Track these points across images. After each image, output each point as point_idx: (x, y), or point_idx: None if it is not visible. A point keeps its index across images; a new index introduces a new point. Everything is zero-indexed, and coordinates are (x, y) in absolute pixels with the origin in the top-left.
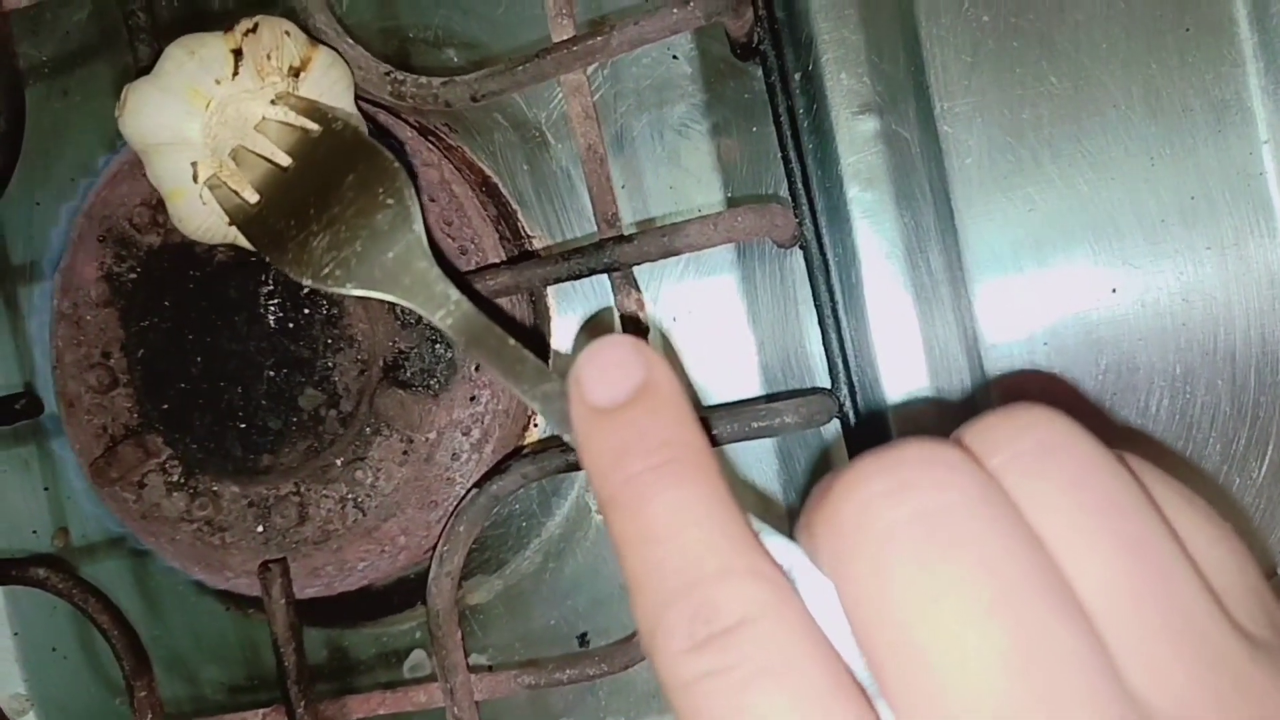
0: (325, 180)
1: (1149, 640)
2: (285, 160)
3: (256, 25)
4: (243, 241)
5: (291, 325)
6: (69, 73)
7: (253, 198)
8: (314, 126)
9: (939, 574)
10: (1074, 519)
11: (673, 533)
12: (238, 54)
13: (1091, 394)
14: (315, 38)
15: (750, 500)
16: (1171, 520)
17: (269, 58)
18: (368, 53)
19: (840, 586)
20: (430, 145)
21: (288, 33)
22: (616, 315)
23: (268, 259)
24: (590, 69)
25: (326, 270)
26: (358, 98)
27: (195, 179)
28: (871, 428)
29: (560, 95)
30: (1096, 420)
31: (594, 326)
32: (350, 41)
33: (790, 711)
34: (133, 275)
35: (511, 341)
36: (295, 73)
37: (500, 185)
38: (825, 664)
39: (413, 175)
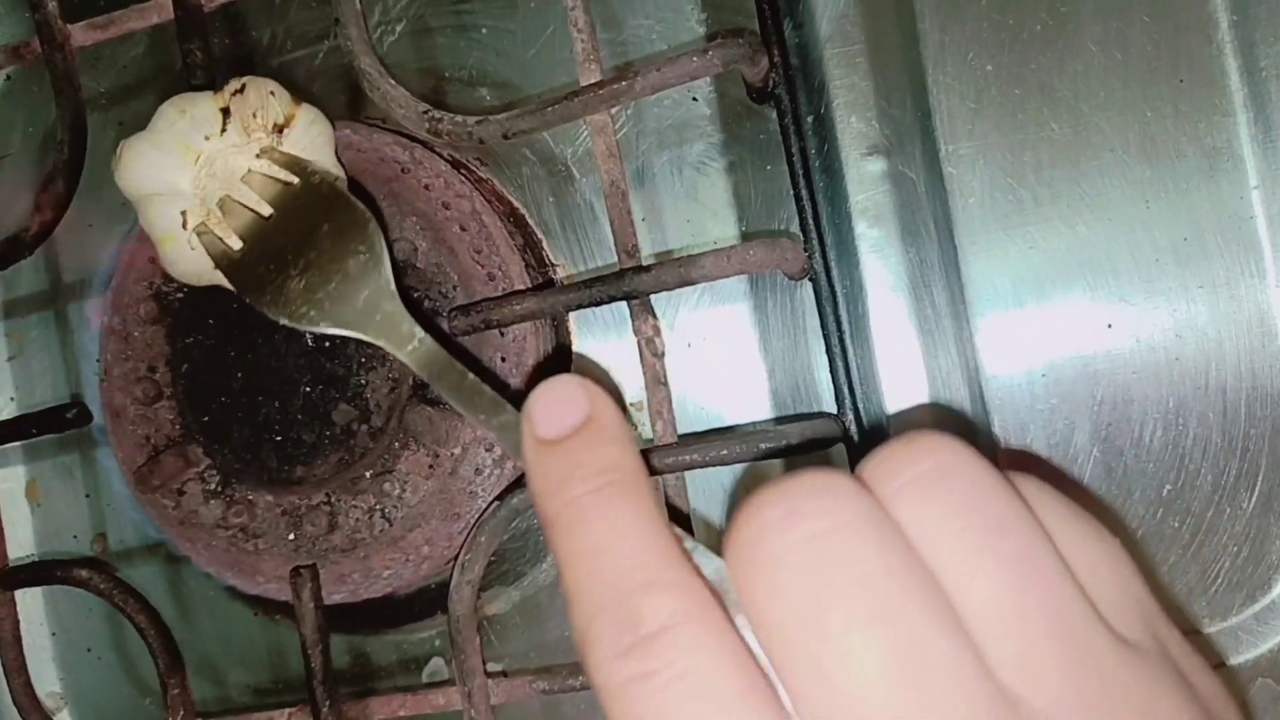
0: (303, 229)
1: (1025, 644)
2: (267, 210)
3: (244, 86)
4: (228, 284)
5: (327, 344)
6: (124, 104)
7: (236, 244)
8: (294, 180)
9: (825, 591)
10: (960, 537)
11: (606, 548)
12: (226, 112)
13: (1088, 426)
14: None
15: None
16: (1057, 535)
17: (255, 116)
18: (407, 92)
19: (746, 604)
20: (463, 178)
21: (273, 92)
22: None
23: (248, 300)
24: (615, 110)
25: (302, 310)
26: (395, 131)
27: (184, 226)
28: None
29: (585, 132)
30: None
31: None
32: (392, 81)
33: (707, 713)
34: (179, 295)
35: (471, 376)
36: (279, 129)
37: (527, 216)
38: (740, 669)
39: (445, 206)
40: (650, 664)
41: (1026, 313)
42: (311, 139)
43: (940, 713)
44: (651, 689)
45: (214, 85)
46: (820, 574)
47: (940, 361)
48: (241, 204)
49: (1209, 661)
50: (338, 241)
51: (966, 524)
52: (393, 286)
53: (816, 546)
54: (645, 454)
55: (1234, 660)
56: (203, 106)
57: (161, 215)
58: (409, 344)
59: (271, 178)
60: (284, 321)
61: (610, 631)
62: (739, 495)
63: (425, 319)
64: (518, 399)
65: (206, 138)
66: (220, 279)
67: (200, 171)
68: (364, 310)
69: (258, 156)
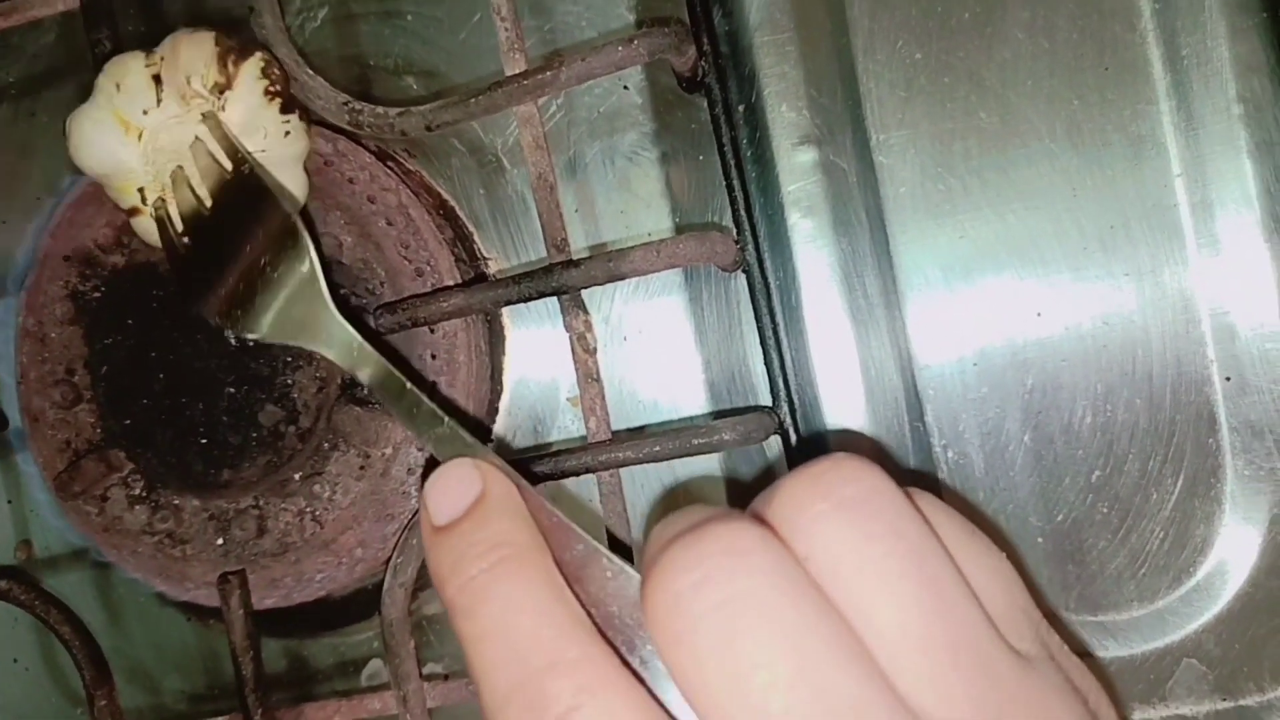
0: (238, 228)
1: (935, 667)
2: (208, 202)
3: (176, 46)
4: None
5: (251, 343)
6: (36, 95)
7: (182, 231)
8: (228, 165)
9: (744, 657)
10: (878, 565)
11: (504, 630)
12: (158, 80)
13: (1019, 413)
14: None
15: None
16: (954, 552)
17: (189, 81)
18: (326, 82)
19: (669, 668)
20: (388, 170)
21: (218, 44)
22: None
23: (191, 307)
24: (542, 100)
25: (241, 321)
26: (318, 123)
27: (144, 202)
28: (811, 443)
29: (515, 122)
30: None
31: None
32: (310, 71)
33: None
34: (97, 294)
35: (409, 386)
36: (220, 90)
37: (457, 208)
38: None
39: (371, 200)
40: None
41: (957, 301)
42: (258, 97)
43: None
44: None
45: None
46: (737, 639)
47: (874, 351)
48: (189, 183)
49: (1075, 650)
50: (270, 247)
51: (884, 551)
52: (327, 294)
53: (730, 610)
54: (579, 451)
55: (1160, 642)
56: (135, 77)
57: (121, 193)
58: (349, 353)
59: (213, 157)
60: (226, 332)
61: (523, 718)
62: (674, 500)
63: (355, 318)
64: (448, 398)
65: (145, 112)
66: None
67: (146, 146)
68: (301, 319)
69: (202, 121)
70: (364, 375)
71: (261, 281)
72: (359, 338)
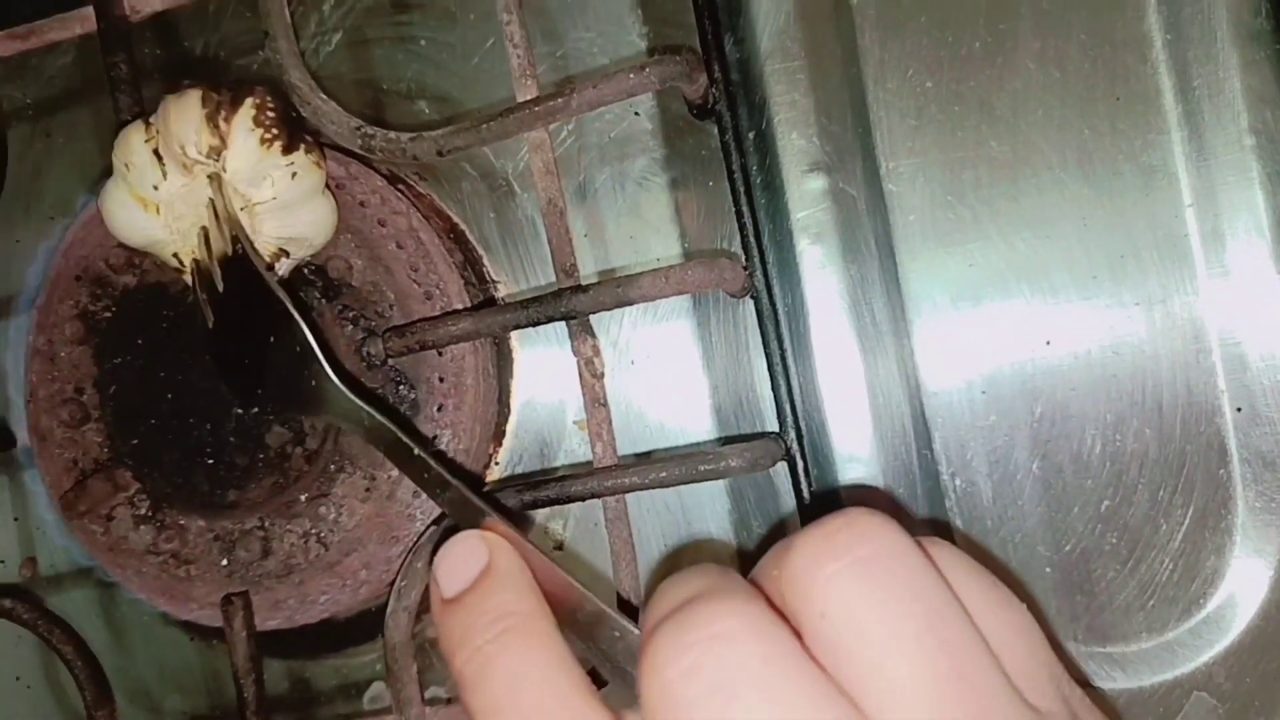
0: (245, 309)
1: None
2: (220, 285)
3: (166, 116)
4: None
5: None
6: (51, 115)
7: (220, 285)
8: (228, 243)
9: None
10: (885, 632)
11: (510, 701)
12: (159, 154)
13: (1027, 441)
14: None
15: (703, 545)
16: (971, 606)
17: (185, 150)
18: (339, 106)
19: None
20: (399, 193)
21: (204, 104)
22: None
23: (223, 383)
24: (553, 126)
25: (257, 398)
26: (330, 147)
27: (183, 265)
28: (817, 470)
29: (526, 147)
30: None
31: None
32: (323, 96)
33: None
34: (107, 314)
35: (417, 451)
36: (216, 153)
37: (467, 232)
38: None
39: (381, 223)
40: None
41: (966, 329)
42: (254, 147)
43: None
44: None
45: (136, 103)
46: None
47: (881, 378)
48: (208, 245)
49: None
50: (273, 332)
51: (900, 612)
52: (328, 371)
53: (720, 697)
54: (585, 476)
55: (1170, 674)
56: (138, 155)
57: (164, 260)
58: (360, 424)
59: (219, 221)
60: (250, 409)
61: None
62: (677, 528)
63: (359, 342)
64: (455, 422)
65: (155, 187)
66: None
67: (166, 217)
68: (313, 397)
69: (210, 184)
70: (376, 443)
71: (270, 362)
72: (366, 408)
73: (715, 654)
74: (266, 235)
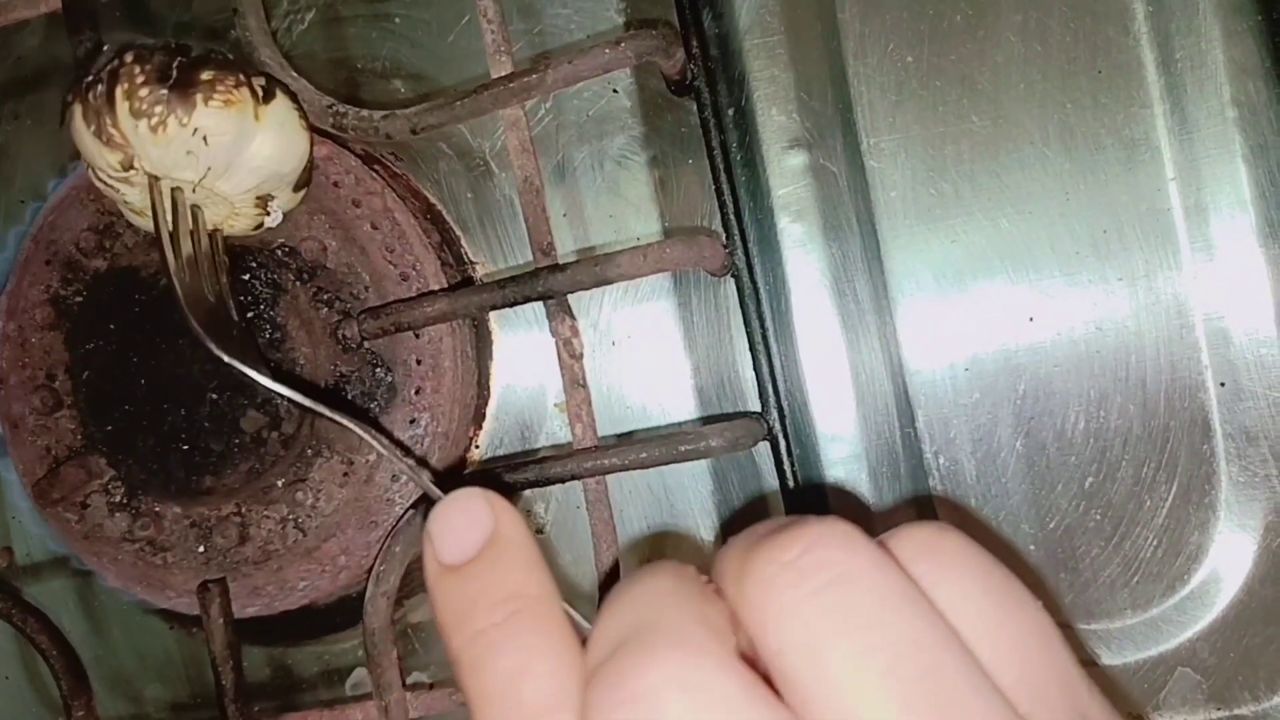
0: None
1: None
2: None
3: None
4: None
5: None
6: (20, 97)
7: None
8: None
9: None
10: (854, 669)
11: (512, 693)
12: (130, 164)
13: (1010, 419)
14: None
15: (684, 524)
16: (971, 613)
17: (100, 174)
18: (310, 85)
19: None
20: (374, 174)
21: (86, 120)
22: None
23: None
24: (530, 103)
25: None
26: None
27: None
28: (800, 449)
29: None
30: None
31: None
32: (294, 74)
33: None
34: (79, 299)
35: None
36: (128, 164)
37: (444, 212)
38: None
39: (356, 203)
40: None
41: (949, 306)
42: (147, 136)
43: None
44: None
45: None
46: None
47: (864, 356)
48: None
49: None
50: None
51: (870, 645)
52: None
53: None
54: (565, 457)
55: (1154, 650)
56: (86, 144)
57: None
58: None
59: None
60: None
61: None
62: (659, 508)
63: (335, 324)
64: (434, 405)
65: (119, 183)
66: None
67: (141, 187)
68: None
69: (154, 186)
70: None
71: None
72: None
73: (673, 703)
74: (235, 198)
